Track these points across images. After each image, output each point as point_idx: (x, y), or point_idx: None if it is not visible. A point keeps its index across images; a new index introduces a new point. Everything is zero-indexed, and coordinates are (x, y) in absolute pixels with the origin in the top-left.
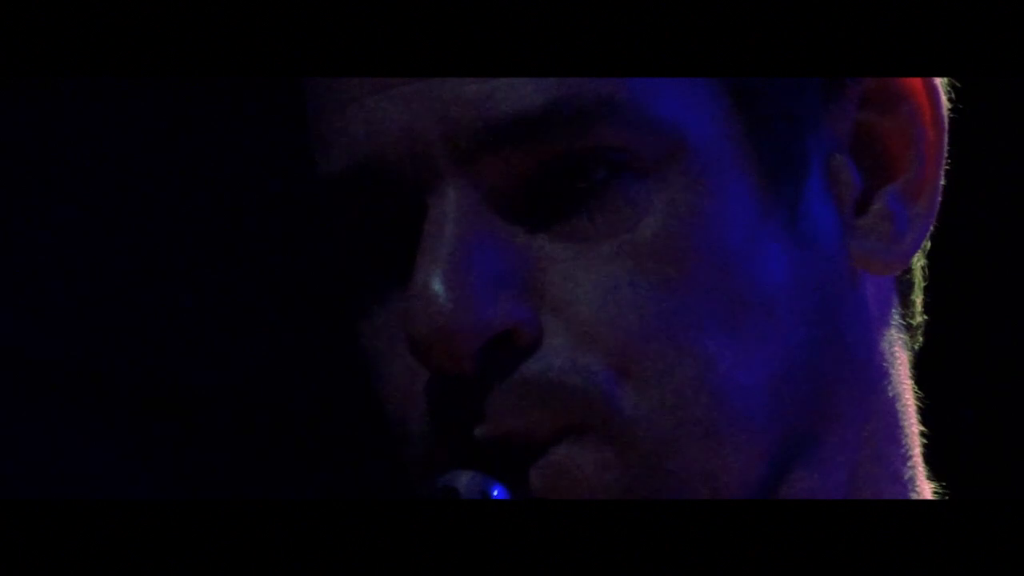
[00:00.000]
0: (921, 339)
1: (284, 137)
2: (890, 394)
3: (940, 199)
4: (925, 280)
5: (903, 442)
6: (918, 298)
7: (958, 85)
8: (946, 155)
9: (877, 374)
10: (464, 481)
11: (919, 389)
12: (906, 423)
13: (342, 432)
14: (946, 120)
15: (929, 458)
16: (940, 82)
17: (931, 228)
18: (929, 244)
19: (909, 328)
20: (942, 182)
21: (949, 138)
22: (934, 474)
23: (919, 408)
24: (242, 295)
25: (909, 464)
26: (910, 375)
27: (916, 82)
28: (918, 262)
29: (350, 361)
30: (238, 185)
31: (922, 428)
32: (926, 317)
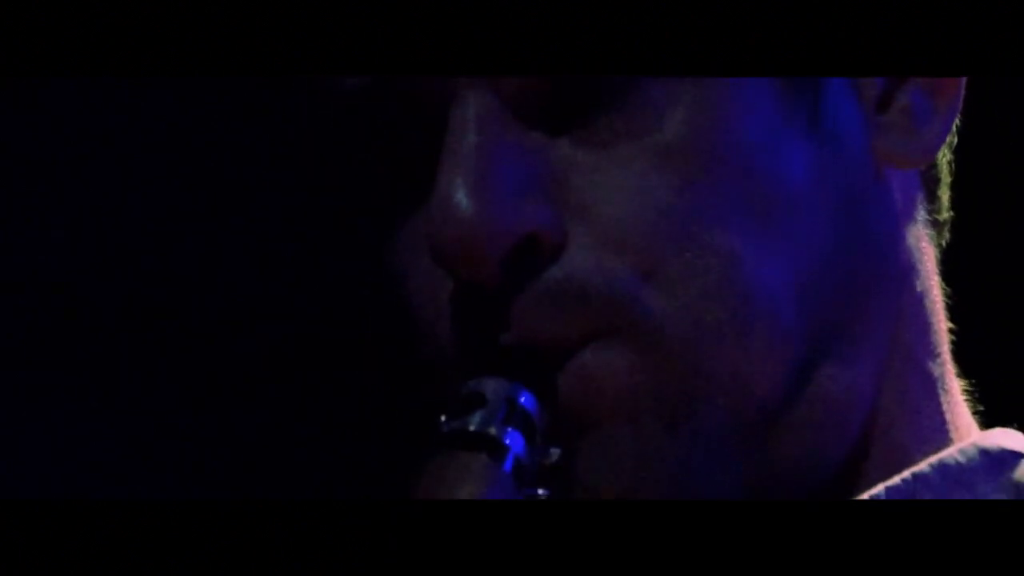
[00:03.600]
0: (948, 235)
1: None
2: (918, 290)
3: (963, 93)
4: (952, 176)
5: (931, 339)
6: (944, 194)
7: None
8: None
9: (904, 270)
10: (491, 387)
11: (947, 286)
12: (934, 320)
13: (344, 432)
14: None
15: (957, 356)
16: None
17: (955, 122)
18: (956, 140)
19: (936, 224)
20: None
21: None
22: (963, 372)
23: (947, 305)
24: (246, 295)
25: (938, 361)
26: (937, 271)
27: None
28: (944, 158)
29: (351, 361)
30: (247, 183)
31: (950, 325)
32: (952, 213)
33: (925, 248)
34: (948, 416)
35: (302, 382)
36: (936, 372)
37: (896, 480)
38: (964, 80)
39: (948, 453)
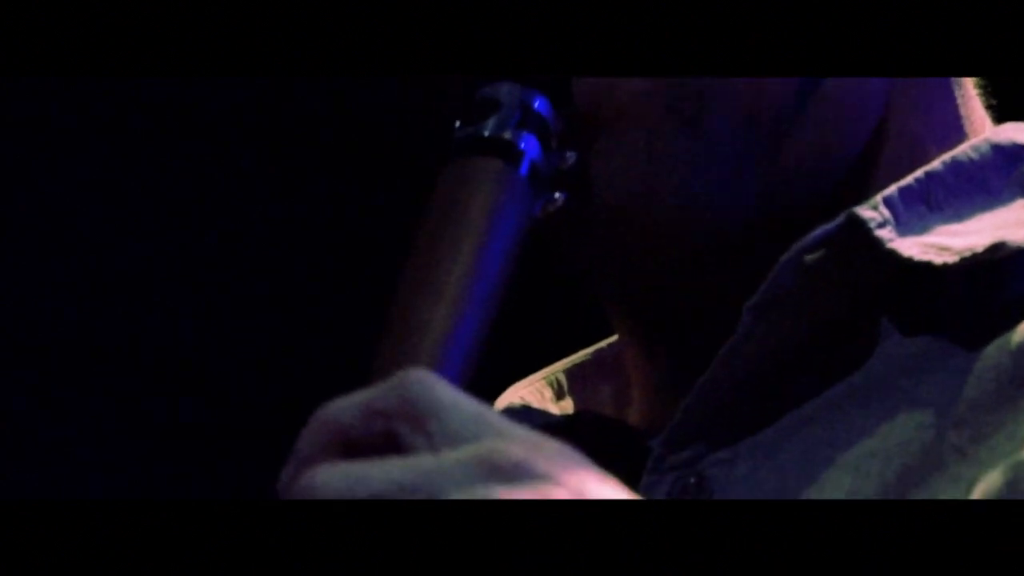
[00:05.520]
0: None
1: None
2: None
3: None
4: None
5: None
6: None
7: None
8: None
9: None
10: (505, 92)
11: None
12: None
13: None
14: None
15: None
16: None
17: None
18: None
19: None
20: None
21: None
22: None
23: None
24: (245, 293)
25: None
26: None
27: None
28: None
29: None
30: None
31: None
32: None
33: None
34: (962, 111)
35: (302, 381)
36: None
37: (909, 180)
38: None
39: (960, 150)
